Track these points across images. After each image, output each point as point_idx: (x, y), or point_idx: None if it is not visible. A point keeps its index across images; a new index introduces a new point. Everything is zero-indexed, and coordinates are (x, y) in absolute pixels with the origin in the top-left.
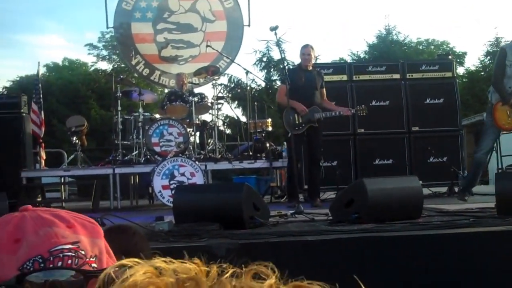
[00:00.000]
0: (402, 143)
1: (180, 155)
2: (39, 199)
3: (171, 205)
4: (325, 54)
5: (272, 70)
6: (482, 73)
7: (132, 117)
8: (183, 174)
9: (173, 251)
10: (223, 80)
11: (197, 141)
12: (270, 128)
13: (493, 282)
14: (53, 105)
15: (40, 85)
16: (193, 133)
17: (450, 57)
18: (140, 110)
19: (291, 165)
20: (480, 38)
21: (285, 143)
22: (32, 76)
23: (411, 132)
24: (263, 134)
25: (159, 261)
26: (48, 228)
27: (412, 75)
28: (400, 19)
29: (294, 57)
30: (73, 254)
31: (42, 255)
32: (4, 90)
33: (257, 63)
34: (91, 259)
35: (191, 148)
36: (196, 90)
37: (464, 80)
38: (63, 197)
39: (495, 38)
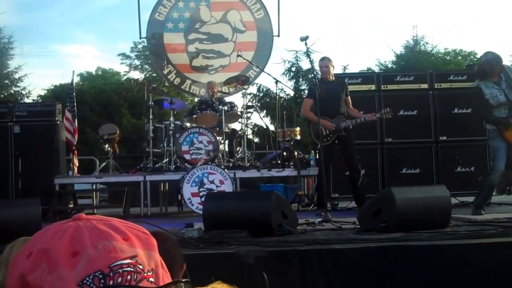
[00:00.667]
0: (429, 153)
1: (210, 163)
2: (71, 205)
3: (200, 212)
4: (353, 64)
5: (300, 79)
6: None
7: (163, 126)
8: (212, 182)
9: (203, 257)
10: (253, 89)
11: (226, 149)
12: (298, 137)
13: None
14: (86, 113)
15: (74, 93)
16: (222, 142)
17: None
18: (171, 118)
19: (320, 174)
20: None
21: (312, 151)
22: (66, 85)
23: (438, 141)
24: (291, 143)
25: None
26: (107, 242)
27: (440, 85)
28: (428, 30)
29: None
30: (132, 270)
31: (102, 271)
32: (39, 98)
33: (286, 72)
34: (149, 273)
35: (221, 156)
36: (226, 99)
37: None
38: (95, 204)
39: None
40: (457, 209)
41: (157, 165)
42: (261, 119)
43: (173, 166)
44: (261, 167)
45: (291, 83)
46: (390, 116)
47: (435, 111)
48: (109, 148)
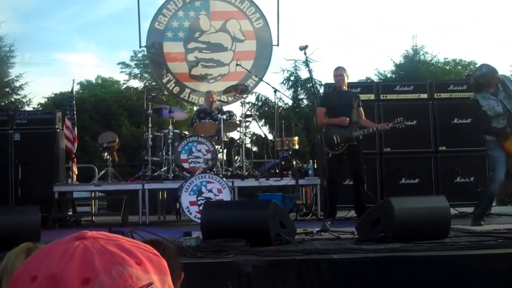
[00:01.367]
0: (429, 163)
1: (208, 171)
2: (70, 213)
3: (198, 221)
4: (352, 73)
5: (299, 88)
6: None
7: (162, 134)
8: (210, 191)
9: (201, 266)
10: (251, 98)
11: (225, 158)
12: (296, 146)
13: None
14: (86, 122)
15: (74, 102)
16: (221, 150)
17: None
18: (170, 127)
19: (329, 184)
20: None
21: (311, 161)
22: (67, 93)
23: (438, 151)
24: (290, 152)
25: None
26: (121, 268)
27: (439, 95)
28: (428, 31)
29: (321, 76)
30: None
31: None
32: (39, 106)
33: (284, 81)
34: None
35: (219, 165)
36: (225, 108)
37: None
38: (93, 212)
39: None
40: (457, 219)
41: (155, 174)
42: (260, 128)
43: (172, 175)
44: (259, 176)
45: (289, 92)
46: (403, 126)
47: (434, 121)
48: (108, 156)
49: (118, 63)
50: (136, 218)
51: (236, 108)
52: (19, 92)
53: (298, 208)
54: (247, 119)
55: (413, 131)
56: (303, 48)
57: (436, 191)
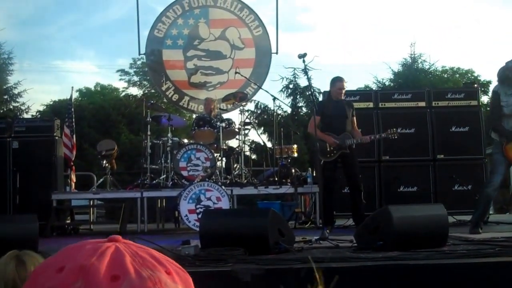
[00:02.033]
0: (427, 171)
1: (207, 179)
2: (68, 221)
3: (197, 229)
4: (350, 82)
5: (298, 96)
6: None
7: (160, 142)
8: (209, 199)
9: (199, 275)
10: (250, 106)
11: (224, 166)
12: (295, 154)
13: None
14: (85, 129)
15: (72, 109)
16: (220, 158)
17: (475, 86)
18: (169, 135)
19: (323, 192)
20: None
21: (310, 169)
22: (65, 100)
23: (436, 159)
24: (289, 160)
25: None
26: (151, 272)
27: (437, 103)
28: (427, 41)
29: (320, 84)
30: None
31: None
32: (38, 114)
33: (283, 89)
34: None
35: (218, 172)
36: (224, 116)
37: (488, 108)
38: (92, 220)
39: None
40: (455, 227)
41: (154, 182)
42: (259, 136)
43: (171, 183)
44: (258, 184)
45: (288, 100)
46: (396, 137)
47: (432, 129)
48: (107, 164)
49: (117, 71)
50: (134, 226)
51: (235, 116)
52: (17, 100)
53: (297, 216)
54: (246, 127)
55: (411, 139)
56: (302, 56)
57: (434, 199)
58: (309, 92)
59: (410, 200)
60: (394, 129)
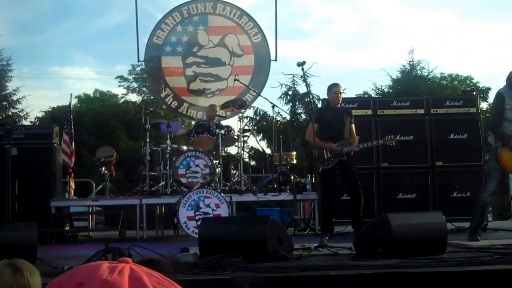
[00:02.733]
0: (425, 178)
1: (206, 186)
2: (67, 228)
3: (196, 236)
4: (349, 88)
5: (297, 103)
6: None
7: (159, 149)
8: (208, 206)
9: (198, 283)
10: (249, 112)
11: (223, 173)
12: (294, 161)
13: None
14: (83, 136)
15: (71, 116)
16: (219, 165)
17: (474, 93)
18: (168, 141)
19: (322, 199)
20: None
21: (309, 176)
22: (64, 107)
23: (434, 166)
24: (288, 167)
25: None
26: None
27: (436, 110)
28: (424, 54)
29: (319, 91)
30: None
31: None
32: (37, 120)
33: (282, 96)
34: None
35: (217, 179)
36: (223, 123)
37: (487, 115)
38: (91, 227)
39: None
40: (454, 234)
41: (153, 188)
42: (258, 142)
43: (170, 190)
44: (257, 191)
45: (287, 107)
46: (393, 144)
47: (431, 136)
48: (105, 171)
49: (116, 77)
50: (133, 233)
51: (234, 123)
52: (16, 106)
53: (296, 223)
54: (245, 134)
55: (410, 147)
56: (301, 64)
57: (433, 206)
58: (308, 99)
59: (409, 207)
60: (392, 136)
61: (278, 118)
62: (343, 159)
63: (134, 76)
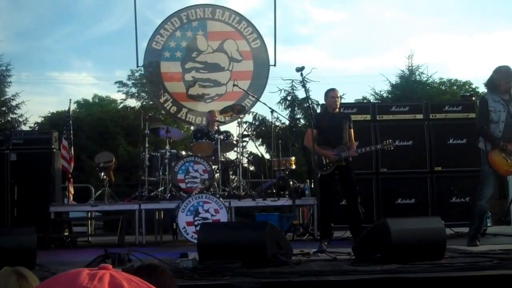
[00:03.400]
0: (424, 183)
1: (205, 192)
2: (66, 233)
3: (195, 241)
4: (348, 94)
5: (296, 108)
6: None
7: (158, 154)
8: (207, 211)
9: None
10: (248, 118)
11: (222, 178)
12: (293, 166)
13: None
14: (83, 141)
15: (70, 121)
16: (218, 170)
17: (473, 98)
18: (167, 147)
19: (320, 205)
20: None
21: (308, 181)
22: (63, 112)
23: (434, 172)
24: (287, 172)
25: None
26: None
27: (435, 116)
28: (423, 59)
29: (318, 97)
30: None
31: None
32: (36, 126)
33: (281, 101)
34: None
35: (216, 185)
36: (222, 128)
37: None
38: (90, 232)
39: None
40: (453, 240)
41: (152, 194)
42: (257, 148)
43: (169, 195)
44: (256, 196)
45: (286, 112)
46: (392, 148)
47: (430, 141)
48: (104, 176)
49: (115, 82)
50: (132, 238)
51: (233, 128)
52: (15, 111)
53: (295, 228)
54: (244, 139)
55: (409, 152)
56: (300, 70)
57: (432, 211)
58: (307, 104)
59: (408, 213)
60: (390, 140)
61: (277, 123)
62: (342, 165)
63: (133, 81)
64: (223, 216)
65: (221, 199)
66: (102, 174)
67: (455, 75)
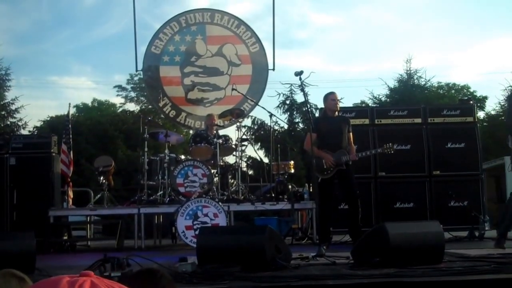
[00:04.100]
0: (423, 187)
1: (204, 196)
2: (65, 237)
3: (194, 245)
4: (347, 98)
5: (295, 112)
6: (503, 117)
7: (158, 158)
8: (206, 215)
9: None
10: (247, 122)
11: (221, 182)
12: (292, 170)
13: None
14: (82, 145)
15: (70, 125)
16: (217, 174)
17: (471, 102)
18: (166, 151)
19: (320, 208)
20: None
21: (306, 185)
22: (62, 116)
23: (432, 176)
24: (286, 176)
25: None
26: None
27: (433, 120)
28: (421, 63)
29: (317, 101)
30: None
31: None
32: (35, 129)
33: (280, 105)
34: None
35: (215, 189)
36: (221, 132)
37: (485, 124)
38: (89, 236)
39: None
40: (451, 243)
41: (151, 198)
42: (255, 152)
43: (168, 199)
44: (255, 200)
45: (285, 116)
46: (392, 152)
47: (428, 145)
48: (103, 180)
49: (114, 86)
50: (131, 242)
51: (232, 132)
52: (15, 115)
53: (293, 232)
54: (243, 143)
55: (407, 156)
56: (298, 74)
57: (430, 215)
58: (306, 108)
59: (406, 216)
60: (390, 144)
61: (276, 127)
62: (342, 169)
63: (132, 85)
64: (222, 220)
65: (220, 203)
66: (101, 178)
67: (453, 79)
